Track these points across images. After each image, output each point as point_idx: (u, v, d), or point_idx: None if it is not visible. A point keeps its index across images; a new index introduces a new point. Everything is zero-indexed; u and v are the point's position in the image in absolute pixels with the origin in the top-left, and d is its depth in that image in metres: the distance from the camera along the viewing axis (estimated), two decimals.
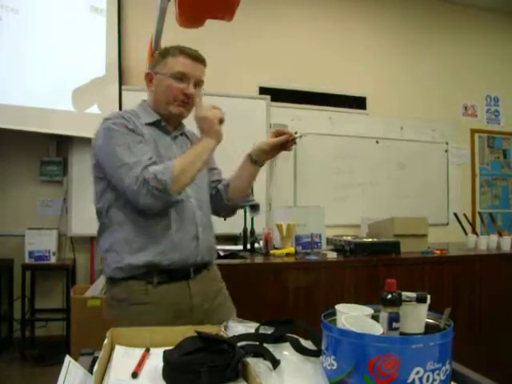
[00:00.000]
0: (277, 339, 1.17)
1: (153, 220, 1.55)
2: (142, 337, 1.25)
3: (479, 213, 4.77)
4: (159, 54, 1.73)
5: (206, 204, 1.77)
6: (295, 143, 1.87)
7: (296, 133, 1.91)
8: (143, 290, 1.54)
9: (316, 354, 1.12)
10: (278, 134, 1.83)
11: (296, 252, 2.82)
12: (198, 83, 1.71)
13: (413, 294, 1.13)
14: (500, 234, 3.40)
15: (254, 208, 1.97)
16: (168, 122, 1.72)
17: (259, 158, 1.82)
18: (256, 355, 1.09)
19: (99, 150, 1.57)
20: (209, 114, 1.61)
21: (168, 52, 1.71)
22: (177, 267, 1.58)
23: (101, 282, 3.26)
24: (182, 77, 1.65)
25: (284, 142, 1.81)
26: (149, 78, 1.70)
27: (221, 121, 1.67)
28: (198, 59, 1.74)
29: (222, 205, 1.89)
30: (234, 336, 1.18)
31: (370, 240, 2.96)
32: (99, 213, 1.62)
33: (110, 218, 1.59)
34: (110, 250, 1.57)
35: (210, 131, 1.61)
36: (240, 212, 2.96)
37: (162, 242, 1.56)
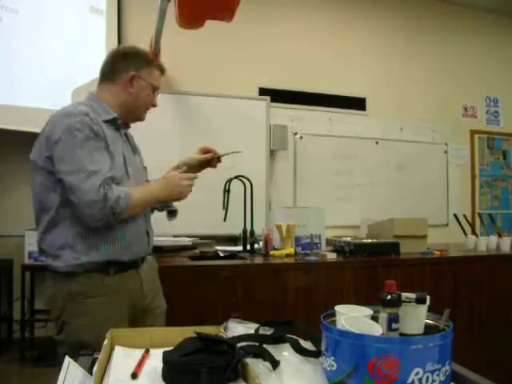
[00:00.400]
0: (276, 340, 1.17)
1: None
2: (141, 337, 1.25)
3: (479, 214, 4.76)
4: (144, 60, 1.78)
5: None
6: (220, 161, 2.08)
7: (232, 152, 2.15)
8: (101, 282, 1.59)
9: (316, 354, 1.12)
10: (205, 150, 2.06)
11: (296, 253, 2.81)
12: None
13: (412, 295, 1.13)
14: (500, 235, 3.40)
15: (172, 213, 2.11)
16: (122, 121, 1.79)
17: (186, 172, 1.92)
18: (256, 356, 1.10)
19: (58, 145, 1.54)
20: (185, 186, 1.76)
21: (151, 60, 1.81)
22: (131, 260, 1.67)
23: None
24: (156, 90, 1.82)
25: (210, 159, 2.04)
26: (131, 78, 1.73)
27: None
28: (164, 73, 1.88)
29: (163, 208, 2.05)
30: (234, 337, 1.18)
31: (369, 241, 2.96)
32: (47, 208, 1.59)
33: (61, 214, 1.57)
34: (64, 247, 1.57)
35: (173, 194, 1.76)
36: (240, 212, 2.98)
37: (120, 238, 1.62)
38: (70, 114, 1.58)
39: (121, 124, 1.77)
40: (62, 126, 1.56)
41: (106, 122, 1.68)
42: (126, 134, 1.85)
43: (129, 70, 1.73)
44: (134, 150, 1.89)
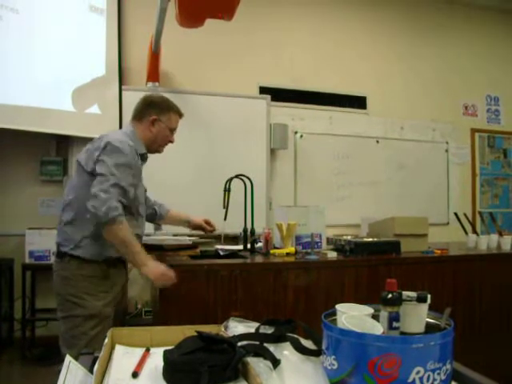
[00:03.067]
0: (277, 339, 1.17)
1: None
2: (142, 336, 1.25)
3: (479, 212, 4.76)
4: (164, 107, 2.25)
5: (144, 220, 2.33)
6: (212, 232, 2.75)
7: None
8: (106, 270, 2.06)
9: (316, 353, 1.12)
10: (208, 222, 2.72)
11: (296, 252, 2.81)
12: None
13: (413, 294, 1.13)
14: (500, 234, 3.40)
15: (158, 228, 2.99)
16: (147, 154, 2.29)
17: (189, 227, 2.74)
18: (256, 355, 1.09)
19: (103, 164, 1.99)
20: (164, 281, 2.09)
21: (171, 107, 2.27)
22: (125, 259, 2.15)
23: None
24: (173, 130, 2.30)
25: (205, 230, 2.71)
26: (152, 121, 2.20)
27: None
28: (182, 116, 2.34)
29: (148, 219, 2.52)
30: (235, 336, 1.18)
31: (370, 240, 2.95)
32: (79, 200, 2.02)
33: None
34: (87, 238, 2.00)
35: (156, 277, 2.05)
36: (241, 212, 2.98)
37: None
38: (123, 152, 2.03)
39: (146, 158, 2.26)
40: (114, 154, 2.01)
41: (139, 154, 2.16)
42: None
43: (152, 114, 2.20)
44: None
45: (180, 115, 2.32)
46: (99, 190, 1.92)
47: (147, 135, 2.22)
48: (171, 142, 2.33)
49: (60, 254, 2.04)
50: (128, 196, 2.02)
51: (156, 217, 2.62)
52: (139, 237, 2.18)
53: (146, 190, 2.43)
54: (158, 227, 2.80)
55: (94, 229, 1.98)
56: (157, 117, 2.21)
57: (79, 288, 1.99)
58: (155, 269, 2.03)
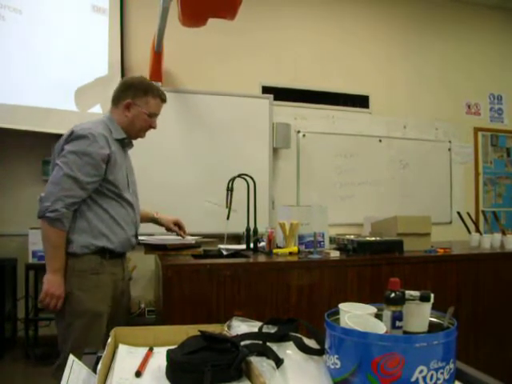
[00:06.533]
0: (280, 338, 1.17)
1: (114, 213, 2.03)
2: (145, 336, 1.25)
3: (483, 211, 4.76)
4: (141, 89, 2.13)
5: (138, 208, 2.25)
6: (177, 235, 2.65)
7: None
8: (99, 263, 1.99)
9: (319, 352, 1.12)
10: (178, 224, 2.63)
11: (299, 251, 2.81)
12: None
13: (416, 293, 1.12)
14: (503, 233, 3.39)
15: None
16: (128, 139, 2.21)
17: (156, 222, 2.61)
18: (259, 354, 1.09)
19: (63, 153, 1.95)
20: (51, 299, 1.92)
21: (149, 90, 2.14)
22: (121, 252, 2.12)
23: None
24: (154, 115, 2.18)
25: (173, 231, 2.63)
26: (127, 105, 2.11)
27: None
28: (166, 100, 2.22)
29: None
30: (238, 335, 1.18)
31: (372, 239, 2.95)
32: None
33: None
34: (73, 231, 1.95)
35: (46, 285, 1.91)
36: (243, 211, 2.98)
37: (117, 235, 2.04)
38: (86, 138, 1.96)
39: (127, 143, 2.19)
40: (74, 142, 1.96)
41: (117, 140, 2.10)
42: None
43: (127, 97, 2.11)
44: (132, 168, 2.28)
45: (162, 99, 2.19)
46: (51, 180, 1.91)
47: (123, 120, 2.13)
48: (153, 127, 2.22)
49: None
50: (85, 187, 1.92)
51: None
52: (134, 226, 2.14)
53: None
54: None
55: (77, 221, 1.95)
56: (132, 101, 2.11)
57: (70, 284, 1.93)
58: (52, 285, 1.89)
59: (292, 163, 4.60)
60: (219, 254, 2.97)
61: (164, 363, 1.05)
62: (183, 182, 4.01)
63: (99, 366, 1.01)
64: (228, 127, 4.16)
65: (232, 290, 2.40)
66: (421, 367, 0.93)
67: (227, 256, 2.92)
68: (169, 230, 2.64)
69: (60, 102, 3.74)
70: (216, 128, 4.13)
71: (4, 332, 3.75)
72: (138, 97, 2.11)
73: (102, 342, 1.50)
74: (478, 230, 3.55)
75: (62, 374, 1.54)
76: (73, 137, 1.96)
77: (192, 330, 1.19)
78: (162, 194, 3.82)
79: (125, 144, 2.18)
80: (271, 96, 4.42)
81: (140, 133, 2.21)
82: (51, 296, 1.90)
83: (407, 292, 1.11)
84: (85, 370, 1.06)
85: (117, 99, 2.15)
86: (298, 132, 4.62)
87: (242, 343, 1.10)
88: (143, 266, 3.79)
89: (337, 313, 1.14)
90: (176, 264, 2.38)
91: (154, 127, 2.22)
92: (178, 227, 2.63)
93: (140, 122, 2.15)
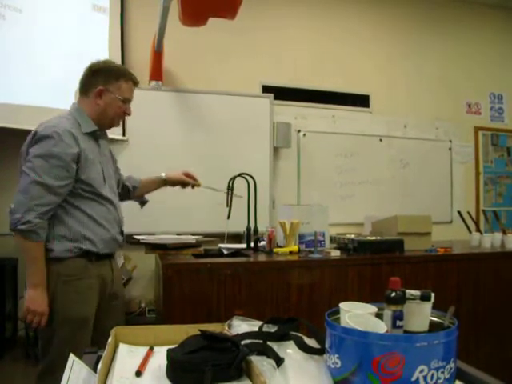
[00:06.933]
0: (280, 337, 1.17)
1: (93, 213, 1.92)
2: (145, 335, 1.25)
3: (483, 211, 4.76)
4: (112, 74, 1.99)
5: (118, 203, 2.14)
6: (192, 187, 2.53)
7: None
8: (84, 266, 1.89)
9: (320, 352, 1.12)
10: (187, 175, 2.49)
11: (299, 250, 2.81)
12: None
13: (417, 292, 1.13)
14: (504, 232, 3.39)
15: (144, 203, 2.55)
16: (100, 131, 2.06)
17: (167, 184, 2.49)
18: (260, 353, 1.09)
19: (29, 157, 1.89)
20: (35, 316, 1.81)
21: (121, 75, 2.01)
22: (107, 252, 1.99)
23: None
24: (128, 101, 2.05)
25: (187, 184, 2.50)
26: (99, 92, 1.97)
27: None
28: (138, 84, 2.11)
29: (126, 197, 2.40)
30: (238, 334, 1.18)
31: (373, 238, 2.95)
32: None
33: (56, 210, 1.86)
34: (53, 236, 1.85)
35: (28, 300, 1.81)
36: (244, 211, 2.99)
37: (100, 236, 1.93)
38: (50, 138, 1.84)
39: (99, 135, 2.05)
40: (39, 143, 1.87)
41: (87, 133, 1.96)
42: (105, 137, 2.15)
43: (98, 84, 1.97)
44: (109, 158, 2.16)
45: (134, 82, 2.06)
46: (18, 189, 1.83)
47: (95, 109, 1.98)
48: (127, 114, 2.07)
49: None
50: (57, 192, 1.80)
51: (130, 192, 2.41)
52: (117, 223, 2.03)
53: (118, 169, 2.30)
54: (142, 203, 2.53)
55: (55, 227, 1.85)
56: (103, 87, 1.96)
57: (55, 290, 1.83)
58: (33, 302, 1.79)
59: (292, 162, 4.60)
60: (219, 254, 2.98)
61: (164, 362, 1.05)
62: None
63: (99, 366, 1.01)
64: (228, 126, 4.16)
65: (232, 289, 2.40)
66: (421, 367, 0.93)
67: (227, 255, 2.92)
68: (184, 184, 2.50)
69: (60, 102, 3.73)
70: (216, 127, 4.13)
71: (4, 332, 3.74)
72: (109, 82, 1.97)
73: (88, 347, 1.46)
74: (478, 230, 3.55)
75: (48, 379, 1.54)
76: (36, 138, 1.84)
77: (192, 329, 1.19)
78: (162, 194, 3.81)
79: (97, 136, 2.03)
80: (271, 95, 4.42)
81: (114, 121, 2.07)
82: (33, 313, 1.79)
83: (408, 291, 1.11)
84: (85, 369, 1.06)
85: (86, 87, 2.00)
86: (299, 131, 4.62)
87: (243, 342, 1.10)
88: (143, 265, 3.79)
89: (337, 312, 1.14)
90: (176, 263, 2.39)
91: (129, 114, 2.08)
92: (189, 177, 2.51)
93: (113, 110, 2.00)
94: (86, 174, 1.89)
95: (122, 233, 2.09)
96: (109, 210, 1.99)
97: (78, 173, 1.87)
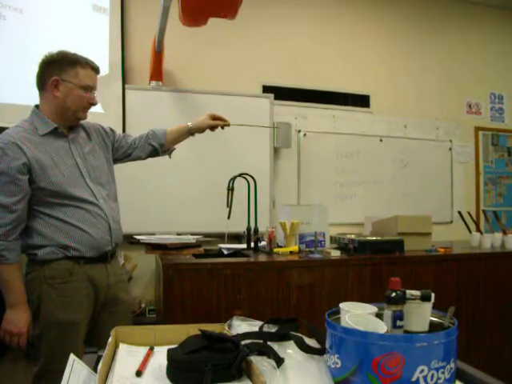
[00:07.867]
0: (281, 337, 1.17)
1: (68, 218, 1.80)
2: (146, 335, 1.25)
3: (483, 211, 4.76)
4: (66, 62, 1.82)
5: (112, 197, 2.01)
6: (222, 128, 2.42)
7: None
8: (71, 269, 1.80)
9: (320, 352, 1.12)
10: (214, 117, 2.36)
11: (300, 250, 2.81)
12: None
13: (417, 292, 1.13)
14: (504, 232, 3.39)
15: (171, 152, 2.45)
16: (65, 127, 1.89)
17: (194, 132, 2.35)
18: (260, 353, 1.09)
19: None
20: (12, 336, 1.77)
21: (77, 62, 1.84)
22: (96, 255, 1.86)
23: None
24: (89, 88, 1.87)
25: (215, 126, 2.37)
26: (55, 83, 1.80)
27: None
28: (98, 71, 1.94)
29: (153, 155, 2.32)
30: (238, 334, 1.18)
31: (373, 238, 2.95)
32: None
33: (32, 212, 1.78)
34: (36, 249, 1.77)
35: (6, 320, 1.76)
36: (244, 211, 2.98)
37: (79, 240, 1.81)
38: None
39: (63, 131, 1.87)
40: None
41: (46, 134, 1.82)
42: (82, 130, 2.00)
43: (52, 74, 1.80)
44: (92, 149, 1.99)
45: (93, 68, 1.89)
46: None
47: (54, 103, 1.83)
48: (92, 103, 1.91)
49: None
50: (13, 209, 1.69)
51: (158, 150, 2.29)
52: (102, 222, 1.89)
53: (125, 137, 2.23)
54: (170, 152, 2.44)
55: (33, 238, 1.79)
56: (58, 77, 1.79)
57: (40, 293, 1.77)
58: (9, 322, 1.75)
59: (293, 162, 4.60)
60: (220, 254, 2.98)
61: (164, 362, 1.05)
62: (183, 182, 4.01)
63: (100, 366, 1.01)
64: (228, 127, 4.16)
65: (232, 289, 2.40)
66: (421, 367, 0.93)
67: (228, 255, 2.92)
68: (213, 127, 2.37)
69: None
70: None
71: None
72: (64, 71, 1.80)
73: (79, 352, 1.41)
74: (478, 230, 3.55)
75: (41, 381, 1.52)
76: None
77: (192, 329, 1.19)
78: (162, 194, 3.82)
79: (60, 134, 1.86)
80: (272, 95, 4.41)
81: (78, 113, 1.88)
82: (9, 334, 1.74)
83: (408, 291, 1.11)
84: (85, 369, 1.07)
85: (42, 81, 1.84)
86: (299, 131, 4.62)
87: (243, 342, 1.10)
88: (144, 265, 3.79)
89: (337, 312, 1.14)
90: (177, 263, 2.39)
91: (94, 103, 1.91)
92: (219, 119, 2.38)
93: (74, 100, 1.83)
94: (46, 180, 1.76)
95: (112, 230, 1.93)
96: (87, 211, 1.84)
97: (35, 181, 1.74)
